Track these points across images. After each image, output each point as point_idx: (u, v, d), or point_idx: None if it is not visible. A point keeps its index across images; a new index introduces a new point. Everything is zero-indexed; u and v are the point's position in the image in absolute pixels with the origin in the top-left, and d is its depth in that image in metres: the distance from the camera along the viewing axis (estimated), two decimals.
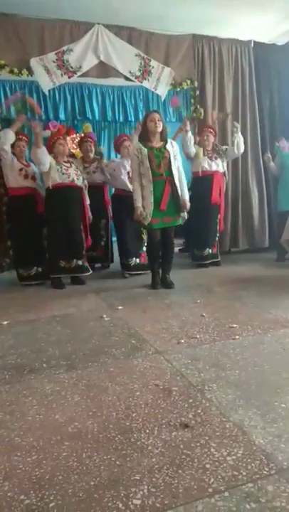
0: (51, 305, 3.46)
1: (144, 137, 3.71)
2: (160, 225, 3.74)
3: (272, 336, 2.48)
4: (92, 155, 4.92)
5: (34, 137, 3.95)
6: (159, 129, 3.67)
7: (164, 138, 3.74)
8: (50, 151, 4.06)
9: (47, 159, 3.93)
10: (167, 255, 3.97)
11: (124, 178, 4.42)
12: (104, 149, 6.75)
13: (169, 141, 3.77)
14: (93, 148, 5.02)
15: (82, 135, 5.96)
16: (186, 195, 3.78)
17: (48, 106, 7.01)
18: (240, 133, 4.76)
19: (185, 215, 3.90)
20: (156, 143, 3.70)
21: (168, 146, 3.72)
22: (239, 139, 4.73)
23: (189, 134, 4.57)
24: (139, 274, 4.42)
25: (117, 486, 1.28)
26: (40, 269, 4.25)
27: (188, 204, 3.79)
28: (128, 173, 4.38)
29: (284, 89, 5.69)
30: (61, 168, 4.04)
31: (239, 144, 4.75)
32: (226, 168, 4.85)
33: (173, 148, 3.76)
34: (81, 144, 5.14)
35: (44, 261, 4.24)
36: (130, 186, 4.32)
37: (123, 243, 4.49)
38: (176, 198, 3.72)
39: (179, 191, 3.73)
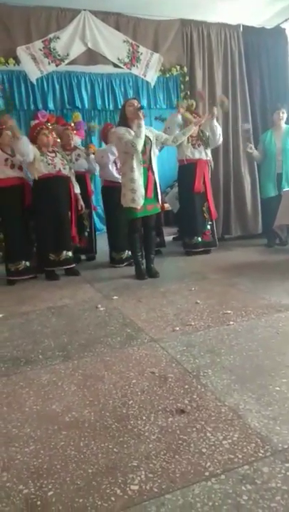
0: (46, 297, 3.46)
1: (124, 124, 3.66)
2: (143, 213, 3.72)
3: (266, 321, 2.50)
4: (73, 143, 4.85)
5: (10, 130, 3.84)
6: None
7: None
8: (34, 142, 3.99)
9: (29, 149, 3.83)
10: (149, 244, 3.92)
11: (112, 169, 4.35)
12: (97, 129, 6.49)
13: (148, 128, 3.75)
14: (74, 136, 4.94)
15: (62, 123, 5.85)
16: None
17: (37, 95, 6.92)
18: (215, 120, 4.63)
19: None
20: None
21: (148, 133, 3.70)
22: (215, 126, 4.60)
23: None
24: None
25: (114, 472, 1.30)
26: (28, 264, 4.08)
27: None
28: (115, 163, 4.32)
29: (274, 73, 5.64)
30: (46, 158, 3.98)
31: (214, 129, 4.60)
32: (210, 157, 4.76)
33: (152, 134, 3.75)
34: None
35: (32, 255, 4.13)
36: (118, 177, 4.29)
37: (115, 237, 4.42)
38: (156, 185, 3.75)
39: (157, 179, 3.76)
